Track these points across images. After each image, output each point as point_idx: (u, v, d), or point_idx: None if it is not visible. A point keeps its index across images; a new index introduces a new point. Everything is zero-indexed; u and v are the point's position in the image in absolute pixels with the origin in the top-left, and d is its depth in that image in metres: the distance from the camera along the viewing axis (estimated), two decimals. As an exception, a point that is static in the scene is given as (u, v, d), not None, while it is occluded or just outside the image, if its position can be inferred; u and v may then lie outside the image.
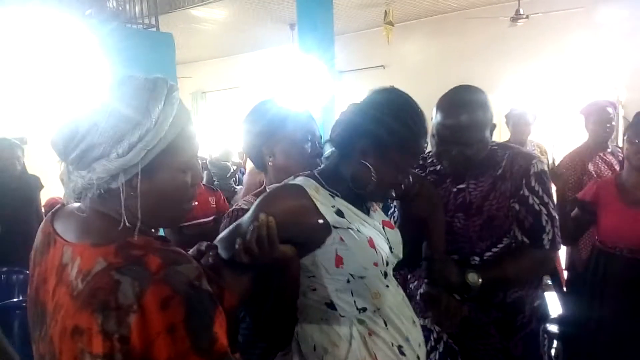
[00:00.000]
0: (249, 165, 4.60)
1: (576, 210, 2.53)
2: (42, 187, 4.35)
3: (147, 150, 0.88)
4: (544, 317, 1.80)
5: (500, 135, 7.29)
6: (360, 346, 1.24)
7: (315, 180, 1.28)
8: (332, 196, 1.26)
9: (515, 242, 1.65)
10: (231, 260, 1.17)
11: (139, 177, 0.90)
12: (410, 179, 1.41)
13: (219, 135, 9.79)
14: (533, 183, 1.62)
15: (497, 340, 1.68)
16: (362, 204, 1.33)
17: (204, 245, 1.20)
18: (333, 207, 1.24)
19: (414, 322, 1.36)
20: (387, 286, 1.30)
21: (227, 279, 1.12)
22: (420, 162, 1.80)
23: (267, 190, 1.41)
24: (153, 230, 1.01)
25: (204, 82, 11.06)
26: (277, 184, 1.39)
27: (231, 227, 1.26)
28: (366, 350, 1.24)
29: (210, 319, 0.88)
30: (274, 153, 1.59)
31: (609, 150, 3.12)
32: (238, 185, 6.24)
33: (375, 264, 1.25)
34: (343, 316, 1.25)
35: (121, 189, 0.89)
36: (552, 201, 1.66)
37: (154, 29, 5.83)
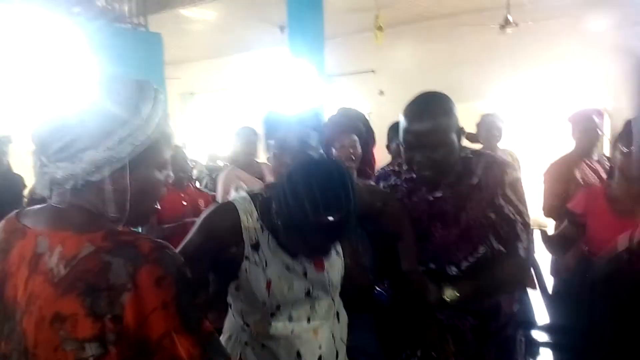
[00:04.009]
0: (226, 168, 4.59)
1: (566, 224, 2.53)
2: (26, 187, 4.29)
3: (134, 145, 0.92)
4: (527, 324, 1.79)
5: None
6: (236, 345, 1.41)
7: (254, 206, 1.37)
8: (262, 228, 1.35)
9: (491, 250, 1.64)
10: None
11: (128, 170, 0.93)
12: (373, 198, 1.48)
13: (206, 137, 9.73)
14: (508, 192, 1.63)
15: (473, 347, 1.67)
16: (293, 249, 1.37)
17: None
18: (253, 239, 1.33)
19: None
20: (270, 324, 1.37)
21: None
22: (397, 168, 1.80)
23: None
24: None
25: (193, 83, 11.00)
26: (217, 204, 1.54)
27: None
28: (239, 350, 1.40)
29: (195, 302, 0.93)
30: (269, 158, 1.67)
31: (595, 158, 3.14)
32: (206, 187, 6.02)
33: (263, 304, 1.34)
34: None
35: (108, 181, 0.92)
36: (527, 209, 1.66)
37: (143, 29, 5.79)
